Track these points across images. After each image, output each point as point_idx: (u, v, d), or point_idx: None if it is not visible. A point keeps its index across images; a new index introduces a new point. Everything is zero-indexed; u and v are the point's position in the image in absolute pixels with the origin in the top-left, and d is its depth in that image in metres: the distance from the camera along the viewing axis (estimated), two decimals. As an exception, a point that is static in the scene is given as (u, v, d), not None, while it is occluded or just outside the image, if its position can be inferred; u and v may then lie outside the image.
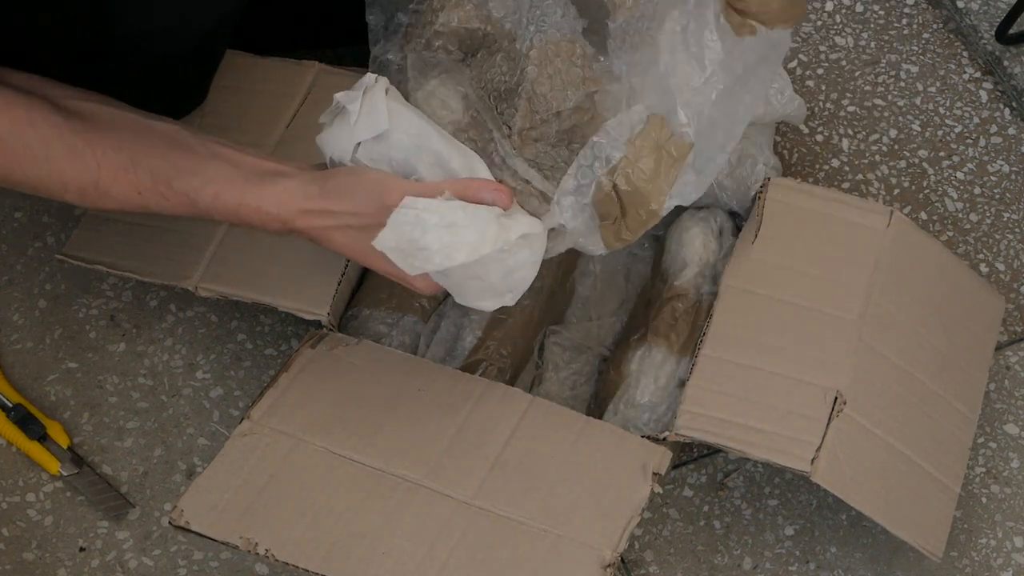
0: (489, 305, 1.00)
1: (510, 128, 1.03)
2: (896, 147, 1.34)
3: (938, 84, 1.38)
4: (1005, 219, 1.30)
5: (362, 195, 0.97)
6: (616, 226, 1.02)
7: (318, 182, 0.99)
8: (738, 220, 1.20)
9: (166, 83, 1.14)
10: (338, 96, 1.00)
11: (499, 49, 1.05)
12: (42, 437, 1.17)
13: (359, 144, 0.99)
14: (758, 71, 1.01)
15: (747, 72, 1.00)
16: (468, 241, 0.95)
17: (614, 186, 1.00)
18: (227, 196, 0.98)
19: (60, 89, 1.01)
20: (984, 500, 1.15)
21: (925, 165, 1.33)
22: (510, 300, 1.00)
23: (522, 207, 1.02)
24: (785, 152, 1.33)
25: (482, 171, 0.99)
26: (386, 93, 1.00)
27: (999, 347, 1.22)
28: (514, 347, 1.15)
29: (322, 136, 1.01)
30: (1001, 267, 1.28)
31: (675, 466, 1.16)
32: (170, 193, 0.99)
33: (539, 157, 1.03)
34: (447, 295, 1.18)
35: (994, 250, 1.28)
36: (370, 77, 1.00)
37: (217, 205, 0.99)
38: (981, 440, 1.18)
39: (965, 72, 1.39)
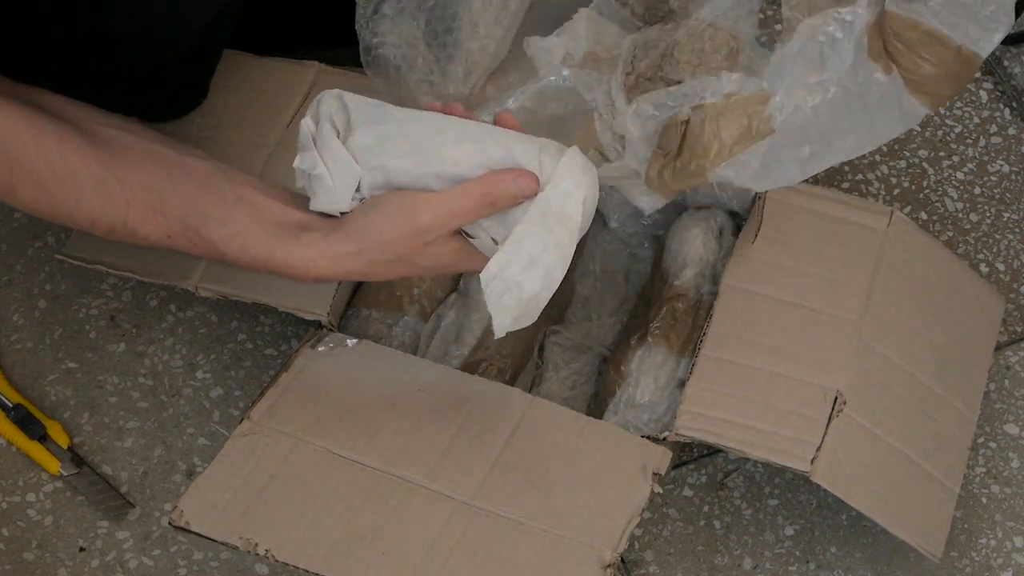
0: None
1: (633, 68, 1.02)
2: (896, 147, 1.34)
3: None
4: (1005, 219, 1.30)
5: (390, 229, 0.95)
6: (663, 165, 0.99)
7: (341, 229, 0.97)
8: (738, 220, 1.20)
9: (165, 82, 1.14)
10: (296, 165, 0.98)
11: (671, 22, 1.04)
12: (42, 437, 1.17)
13: (357, 188, 0.97)
14: (875, 120, 0.98)
15: (863, 110, 0.97)
16: (554, 261, 0.94)
17: (687, 121, 0.98)
18: (253, 250, 0.97)
19: (90, 113, 1.00)
20: (984, 500, 1.15)
21: (925, 165, 1.34)
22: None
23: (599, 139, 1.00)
24: (785, 152, 1.33)
25: (480, 146, 0.96)
26: (336, 128, 0.97)
27: (999, 347, 1.22)
28: (514, 347, 1.15)
29: (313, 205, 0.99)
30: (1001, 267, 1.28)
31: (675, 466, 1.16)
32: (198, 240, 0.98)
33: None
34: (446, 296, 1.18)
35: (994, 250, 1.28)
36: (308, 124, 0.98)
37: (243, 257, 0.98)
38: (981, 440, 1.18)
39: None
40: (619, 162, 1.01)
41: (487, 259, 0.95)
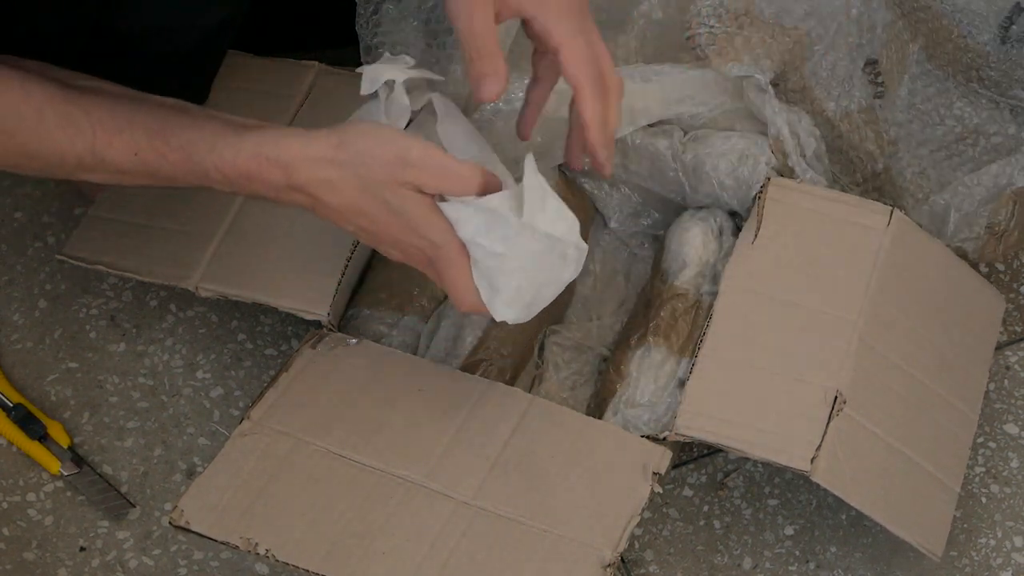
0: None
1: None
2: (896, 147, 1.35)
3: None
4: (1005, 219, 1.30)
5: (375, 144, 0.93)
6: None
7: (324, 131, 0.95)
8: (738, 220, 1.20)
9: (168, 82, 1.14)
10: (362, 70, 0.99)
11: None
12: (42, 437, 1.17)
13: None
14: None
15: None
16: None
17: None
18: (223, 147, 0.95)
19: (63, 72, 1.00)
20: (984, 500, 1.15)
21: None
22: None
23: None
24: (785, 152, 1.33)
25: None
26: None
27: (999, 347, 1.22)
28: (514, 347, 1.15)
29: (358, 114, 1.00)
30: (1001, 267, 1.28)
31: (675, 466, 1.16)
32: (167, 150, 0.96)
33: None
34: (447, 296, 1.18)
35: (994, 250, 1.29)
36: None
37: (212, 157, 0.95)
38: (981, 440, 1.18)
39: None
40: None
41: (449, 229, 0.95)
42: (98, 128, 0.95)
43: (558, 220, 0.96)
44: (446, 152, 0.95)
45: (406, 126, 1.01)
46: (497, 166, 1.00)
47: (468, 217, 0.94)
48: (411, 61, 1.03)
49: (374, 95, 1.01)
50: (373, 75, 1.01)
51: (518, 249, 0.95)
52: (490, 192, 0.94)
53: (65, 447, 1.17)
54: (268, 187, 0.96)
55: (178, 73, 1.15)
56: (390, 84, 1.01)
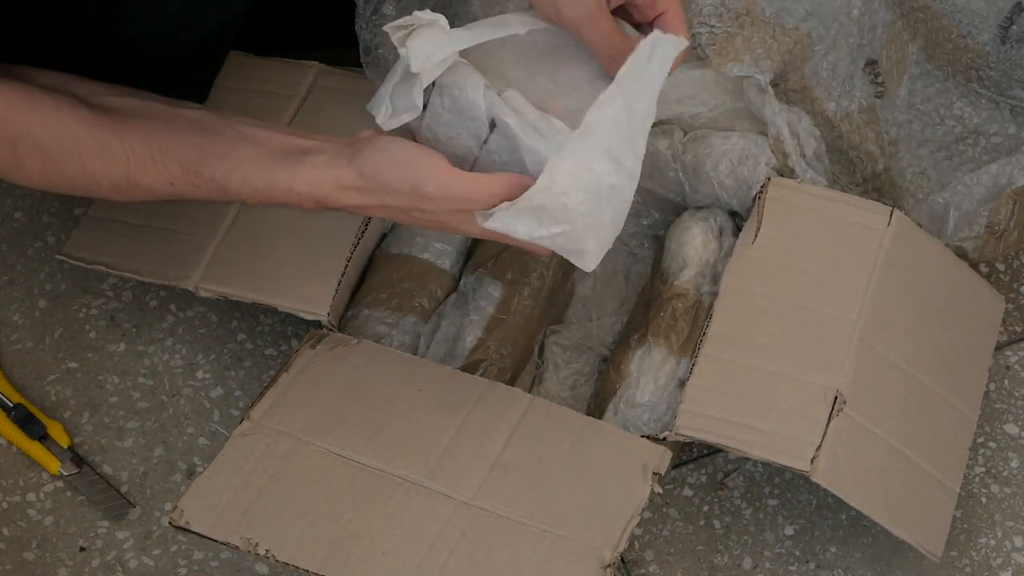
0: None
1: None
2: (896, 147, 1.35)
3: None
4: (1005, 219, 1.30)
5: (393, 176, 0.95)
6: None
7: (345, 156, 0.96)
8: (738, 220, 1.20)
9: (169, 83, 1.14)
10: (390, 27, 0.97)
11: None
12: (42, 437, 1.18)
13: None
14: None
15: None
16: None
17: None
18: (256, 179, 0.97)
19: (87, 85, 1.01)
20: (984, 500, 1.15)
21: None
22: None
23: None
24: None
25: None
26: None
27: (999, 347, 1.22)
28: (514, 347, 1.15)
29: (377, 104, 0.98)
30: (1001, 267, 1.28)
31: (675, 466, 1.16)
32: (200, 181, 0.98)
33: None
34: (447, 296, 1.18)
35: (994, 250, 1.29)
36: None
37: (247, 189, 0.97)
38: (981, 440, 1.18)
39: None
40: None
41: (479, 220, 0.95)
42: (132, 156, 0.97)
43: (583, 175, 0.94)
44: (458, 171, 0.95)
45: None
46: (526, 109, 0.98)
47: (514, 224, 0.94)
48: (444, 21, 0.98)
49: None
50: (421, 52, 0.96)
51: (574, 220, 0.95)
52: (520, 186, 0.94)
53: (65, 447, 1.17)
54: (306, 210, 1.00)
55: (179, 75, 1.15)
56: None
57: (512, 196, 0.94)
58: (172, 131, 0.98)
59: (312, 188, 0.96)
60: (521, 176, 0.95)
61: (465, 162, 1.00)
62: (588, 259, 0.97)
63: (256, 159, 0.97)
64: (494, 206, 0.94)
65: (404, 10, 1.18)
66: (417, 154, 0.95)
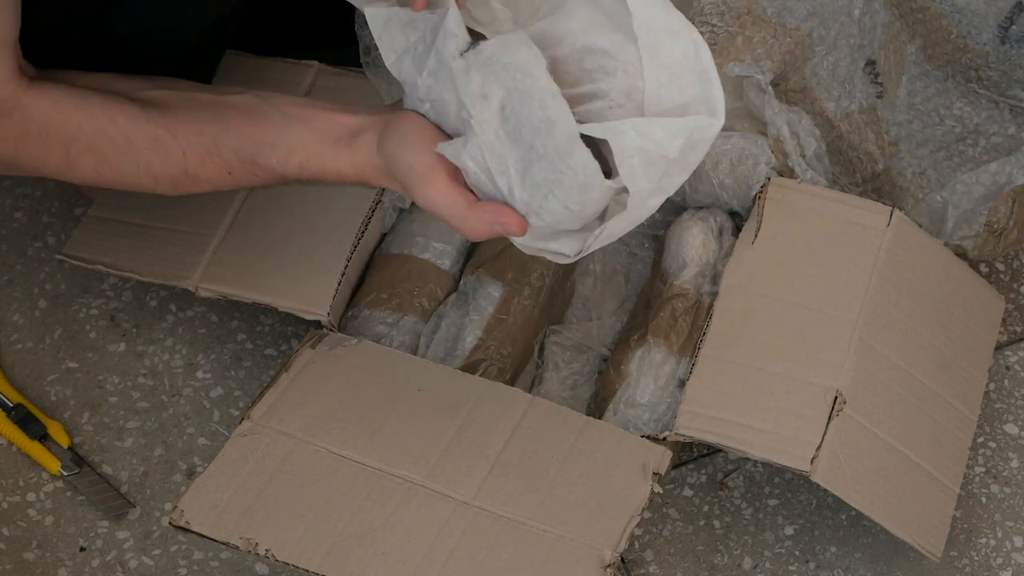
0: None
1: None
2: (896, 147, 1.35)
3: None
4: (1005, 219, 1.30)
5: (398, 175, 0.95)
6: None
7: (381, 143, 0.95)
8: (738, 220, 1.20)
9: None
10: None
11: None
12: (42, 437, 1.17)
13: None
14: None
15: None
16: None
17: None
18: (311, 165, 0.98)
19: (126, 81, 1.01)
20: (984, 500, 1.15)
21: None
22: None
23: None
24: (785, 152, 1.33)
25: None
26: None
27: (999, 347, 1.22)
28: (514, 347, 1.15)
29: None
30: (1001, 267, 1.28)
31: (675, 466, 1.16)
32: (257, 170, 0.99)
33: None
34: (446, 296, 1.18)
35: (994, 250, 1.29)
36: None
37: (304, 175, 0.98)
38: (981, 440, 1.18)
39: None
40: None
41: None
42: (188, 151, 0.98)
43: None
44: (448, 189, 0.92)
45: None
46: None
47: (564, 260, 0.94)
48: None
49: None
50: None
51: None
52: (509, 223, 0.92)
53: (65, 447, 1.17)
54: (355, 185, 1.00)
55: (176, 73, 1.15)
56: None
57: (495, 233, 0.92)
58: (222, 122, 0.99)
59: (358, 172, 0.97)
60: (507, 211, 0.91)
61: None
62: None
63: (307, 144, 0.98)
64: (479, 238, 0.93)
65: (404, 10, 1.17)
66: (418, 160, 0.94)
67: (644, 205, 0.90)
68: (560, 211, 0.90)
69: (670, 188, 0.90)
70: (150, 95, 1.00)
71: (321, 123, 0.98)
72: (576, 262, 1.23)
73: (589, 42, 0.91)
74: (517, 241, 0.94)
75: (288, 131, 0.98)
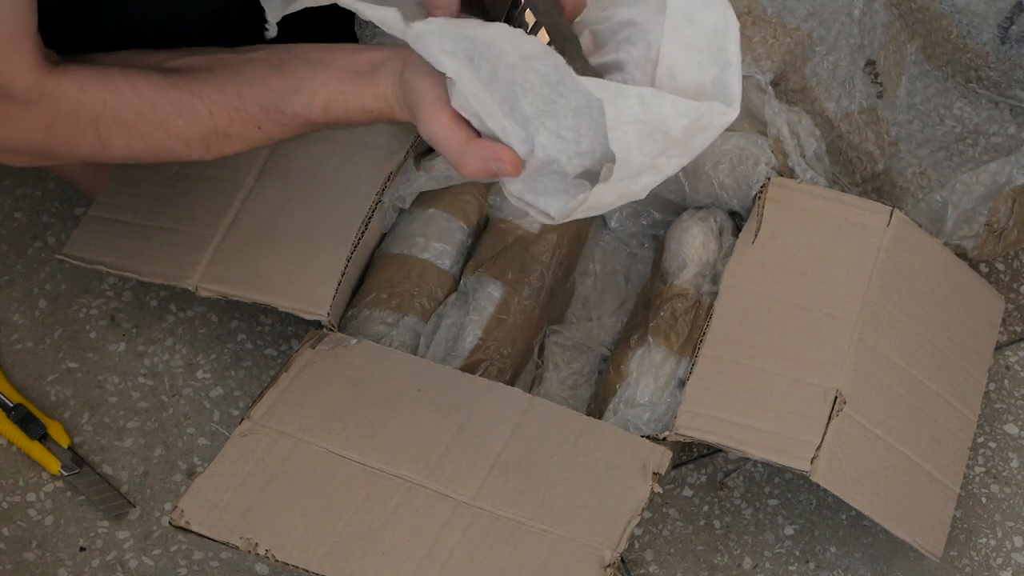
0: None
1: None
2: (896, 147, 1.35)
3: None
4: (1005, 219, 1.30)
5: (410, 108, 0.94)
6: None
7: (401, 77, 0.95)
8: (738, 220, 1.20)
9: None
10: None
11: None
12: (42, 437, 1.17)
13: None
14: None
15: None
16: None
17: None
18: (335, 105, 0.97)
19: (151, 56, 1.02)
20: (984, 500, 1.15)
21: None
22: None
23: None
24: (785, 152, 1.33)
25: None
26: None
27: (999, 347, 1.22)
28: (514, 347, 1.15)
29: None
30: (1001, 267, 1.28)
31: (675, 466, 1.16)
32: (284, 118, 0.99)
33: None
34: (447, 296, 1.18)
35: (994, 250, 1.29)
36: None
37: (330, 116, 0.98)
38: (981, 440, 1.18)
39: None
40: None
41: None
42: (214, 109, 0.98)
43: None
44: (450, 123, 0.90)
45: None
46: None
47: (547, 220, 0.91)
48: None
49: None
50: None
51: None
52: (506, 160, 0.90)
53: (65, 447, 1.17)
54: (391, 121, 0.99)
55: None
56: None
57: (490, 172, 0.90)
58: (245, 77, 0.99)
59: (381, 104, 0.96)
60: (502, 148, 0.89)
61: None
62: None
63: (328, 83, 0.98)
64: (473, 175, 0.91)
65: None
66: (426, 92, 0.93)
67: (636, 181, 0.87)
68: (553, 143, 0.87)
69: (667, 169, 0.87)
70: (173, 63, 1.01)
71: (341, 60, 0.98)
72: (576, 262, 1.23)
73: (625, 12, 0.89)
74: (508, 189, 0.92)
75: (309, 74, 0.98)
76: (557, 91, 0.86)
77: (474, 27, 0.88)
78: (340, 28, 1.23)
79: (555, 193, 0.91)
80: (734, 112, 0.85)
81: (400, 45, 0.94)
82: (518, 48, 0.86)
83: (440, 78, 0.91)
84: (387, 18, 0.90)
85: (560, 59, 0.85)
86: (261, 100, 0.98)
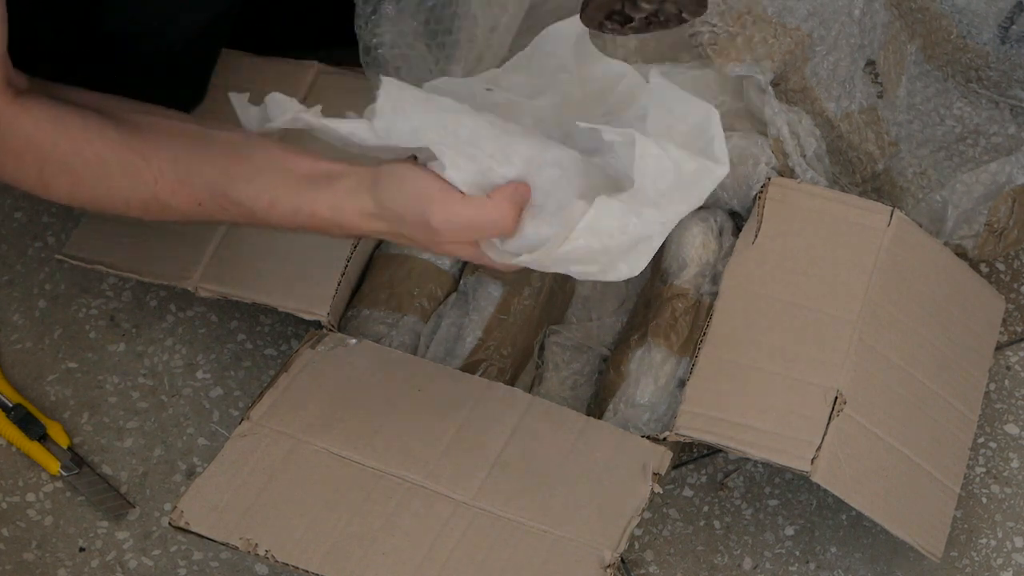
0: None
1: None
2: (896, 147, 1.35)
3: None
4: (1005, 219, 1.30)
5: (405, 207, 0.94)
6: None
7: (367, 183, 0.95)
8: (738, 220, 1.20)
9: (161, 82, 1.14)
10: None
11: None
12: (42, 437, 1.17)
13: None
14: None
15: None
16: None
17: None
18: (282, 204, 0.97)
19: (122, 103, 1.01)
20: (984, 500, 1.15)
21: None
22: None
23: None
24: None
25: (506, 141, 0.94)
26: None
27: (999, 347, 1.22)
28: (514, 347, 1.15)
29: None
30: (1001, 267, 1.28)
31: (675, 466, 1.16)
32: (228, 204, 0.98)
33: None
34: (446, 296, 1.18)
35: (994, 250, 1.28)
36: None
37: (274, 214, 0.97)
38: (981, 440, 1.18)
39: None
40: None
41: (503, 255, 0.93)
42: (160, 178, 0.98)
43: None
44: (464, 198, 0.92)
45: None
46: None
47: (546, 259, 0.92)
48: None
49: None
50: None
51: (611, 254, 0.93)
52: (523, 192, 0.93)
53: (65, 447, 1.17)
54: (336, 236, 1.00)
55: (171, 73, 1.15)
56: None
57: (520, 206, 0.92)
58: (202, 153, 0.98)
59: (335, 214, 0.96)
60: (520, 184, 0.92)
61: None
62: (612, 276, 0.95)
63: (282, 184, 0.97)
64: (508, 227, 0.92)
65: (403, 10, 1.18)
66: (429, 185, 0.93)
67: (639, 214, 0.91)
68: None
69: (671, 216, 0.92)
70: (138, 118, 1.00)
71: (301, 166, 0.97)
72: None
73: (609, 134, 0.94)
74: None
75: (265, 169, 0.98)
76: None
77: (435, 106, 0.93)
78: (340, 27, 1.23)
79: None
80: (724, 168, 0.92)
81: (360, 161, 0.96)
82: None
83: (431, 177, 0.93)
84: (357, 130, 0.93)
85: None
86: (210, 180, 0.98)
